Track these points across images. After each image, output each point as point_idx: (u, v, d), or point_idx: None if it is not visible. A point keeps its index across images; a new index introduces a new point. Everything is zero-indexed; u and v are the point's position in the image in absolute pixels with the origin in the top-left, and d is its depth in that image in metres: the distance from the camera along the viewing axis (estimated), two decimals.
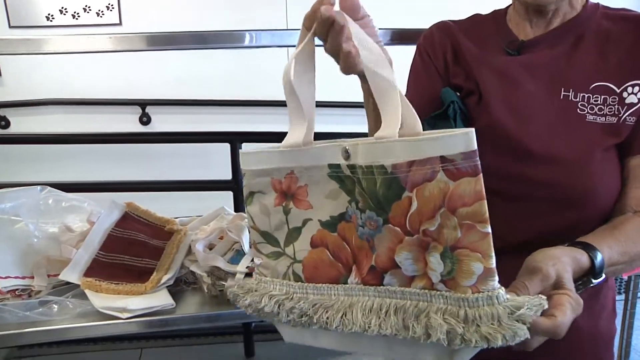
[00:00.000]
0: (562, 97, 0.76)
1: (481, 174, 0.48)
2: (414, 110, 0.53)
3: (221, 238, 1.09)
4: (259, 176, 0.60)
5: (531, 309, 0.48)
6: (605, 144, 0.73)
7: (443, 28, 0.88)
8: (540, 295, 0.52)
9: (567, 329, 0.53)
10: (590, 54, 0.76)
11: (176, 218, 1.21)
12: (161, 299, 0.98)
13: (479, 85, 0.80)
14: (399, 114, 0.52)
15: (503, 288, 0.50)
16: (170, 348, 2.42)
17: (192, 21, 2.85)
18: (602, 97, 0.74)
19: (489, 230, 0.48)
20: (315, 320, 0.57)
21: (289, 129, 0.59)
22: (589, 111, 0.74)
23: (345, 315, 0.55)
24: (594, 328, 0.82)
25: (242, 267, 1.00)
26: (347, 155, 0.54)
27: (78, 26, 2.78)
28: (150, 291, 0.99)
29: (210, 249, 1.07)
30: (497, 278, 0.49)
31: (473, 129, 0.48)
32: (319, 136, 0.60)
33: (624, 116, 0.73)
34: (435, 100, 0.83)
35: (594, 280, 0.62)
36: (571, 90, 0.75)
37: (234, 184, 2.07)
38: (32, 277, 1.04)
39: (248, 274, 0.99)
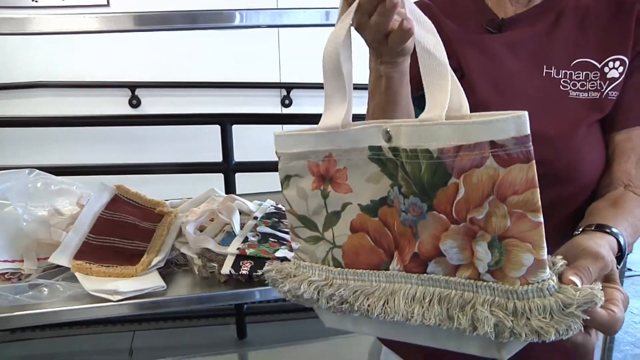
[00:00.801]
0: (544, 74, 0.76)
1: (534, 161, 0.45)
2: (463, 93, 0.51)
3: (212, 220, 1.09)
4: (294, 159, 0.58)
5: (584, 305, 0.46)
6: (589, 120, 0.74)
7: (423, 8, 0.87)
8: (596, 287, 0.48)
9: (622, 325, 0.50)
10: (571, 31, 0.77)
11: (167, 200, 1.21)
12: (152, 281, 0.98)
13: (461, 64, 0.80)
14: (447, 96, 0.49)
15: (555, 278, 0.48)
16: (162, 331, 2.44)
17: (181, 1, 2.81)
18: (584, 73, 0.75)
19: (541, 219, 0.46)
20: (356, 308, 0.55)
21: (326, 109, 0.57)
22: (572, 87, 0.75)
23: (387, 303, 0.53)
24: None
25: (232, 248, 1.00)
26: (388, 136, 0.51)
27: (64, 7, 2.73)
28: (140, 273, 0.99)
29: (201, 230, 1.07)
30: (548, 270, 0.47)
31: (526, 112, 0.44)
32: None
33: (606, 91, 0.74)
34: (420, 80, 0.82)
35: (617, 267, 0.62)
36: (553, 67, 0.76)
37: (225, 166, 2.06)
38: (22, 261, 1.03)
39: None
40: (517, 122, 0.44)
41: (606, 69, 0.74)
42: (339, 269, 0.58)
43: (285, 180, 0.60)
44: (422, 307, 0.51)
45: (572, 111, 0.74)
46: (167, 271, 1.05)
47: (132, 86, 2.89)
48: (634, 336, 2.58)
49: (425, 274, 0.52)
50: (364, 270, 0.56)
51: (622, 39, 0.74)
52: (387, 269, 0.55)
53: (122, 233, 1.08)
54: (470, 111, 0.77)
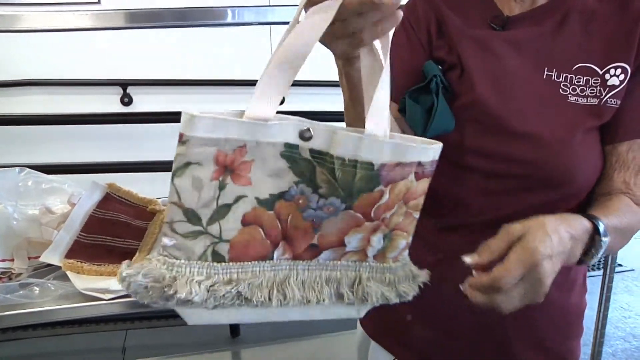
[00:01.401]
0: (545, 76, 0.76)
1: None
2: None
3: None
4: (204, 145, 0.51)
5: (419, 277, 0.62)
6: (586, 125, 0.74)
7: None
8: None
9: (515, 278, 0.56)
10: (575, 34, 0.76)
11: (159, 198, 1.21)
12: None
13: (461, 59, 0.79)
14: (387, 112, 0.54)
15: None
16: (155, 329, 2.43)
17: None
18: (585, 78, 0.74)
19: (418, 215, 0.60)
20: (254, 301, 0.54)
21: (260, 96, 0.52)
22: (571, 92, 0.75)
23: (279, 291, 0.55)
24: (565, 301, 0.85)
25: None
26: (308, 136, 0.52)
27: (54, 4, 2.71)
28: None
29: None
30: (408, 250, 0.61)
31: (441, 144, 0.57)
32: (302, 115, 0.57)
33: (606, 98, 0.74)
34: (417, 73, 0.81)
35: (603, 239, 0.63)
36: (554, 70, 0.75)
37: None
38: (12, 260, 1.02)
39: None
40: (437, 150, 0.57)
41: (607, 76, 0.74)
42: (222, 263, 0.54)
43: (183, 167, 0.52)
44: (315, 290, 0.57)
45: (570, 115, 0.74)
46: None
47: (124, 84, 2.87)
48: (624, 331, 2.60)
49: (314, 260, 0.57)
50: (249, 262, 0.55)
51: (626, 48, 0.73)
52: (272, 259, 0.56)
53: (113, 231, 1.08)
54: (469, 107, 0.78)
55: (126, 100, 2.89)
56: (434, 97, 0.77)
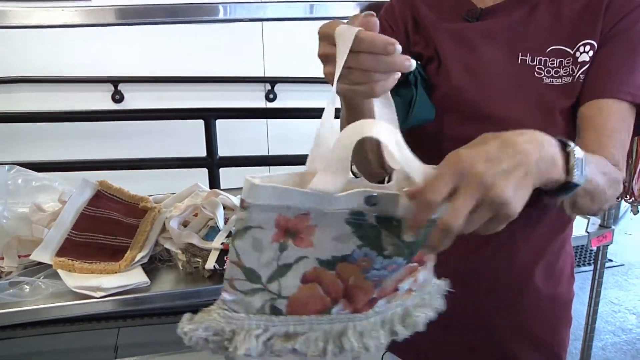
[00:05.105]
0: (519, 61, 0.78)
1: None
2: None
3: (195, 215, 1.08)
4: (265, 211, 0.50)
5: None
6: (562, 105, 0.75)
7: None
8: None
9: (440, 189, 0.46)
10: (546, 18, 0.78)
11: (150, 196, 1.20)
12: (136, 277, 0.98)
13: (438, 52, 0.82)
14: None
15: None
16: (147, 327, 2.42)
17: None
18: (558, 60, 0.76)
19: None
20: (309, 354, 0.56)
21: (324, 171, 0.51)
22: (546, 74, 0.77)
23: (335, 344, 0.56)
24: (553, 290, 0.87)
25: (216, 243, 1.00)
26: (375, 202, 0.51)
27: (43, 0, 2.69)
28: (124, 269, 0.99)
29: (185, 225, 1.06)
30: None
31: None
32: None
33: (578, 74, 0.75)
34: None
35: (576, 151, 0.55)
36: (528, 54, 0.78)
37: (209, 161, 2.05)
38: (2, 258, 1.02)
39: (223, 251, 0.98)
40: None
41: (577, 54, 0.76)
42: (280, 316, 0.55)
43: (243, 230, 0.51)
44: (373, 338, 0.58)
45: (546, 98, 0.76)
46: (151, 267, 1.05)
47: (115, 81, 2.85)
48: (614, 325, 2.63)
49: (371, 310, 0.59)
50: (306, 316, 0.56)
51: (593, 24, 0.75)
52: (329, 313, 0.57)
53: (105, 229, 1.07)
54: (447, 97, 0.79)
55: (117, 97, 2.88)
56: (412, 89, 0.79)
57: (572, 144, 0.56)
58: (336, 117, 0.53)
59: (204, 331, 0.54)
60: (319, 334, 0.56)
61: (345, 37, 0.53)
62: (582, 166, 0.56)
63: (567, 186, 0.56)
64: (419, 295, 0.63)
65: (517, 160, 0.48)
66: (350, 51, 0.52)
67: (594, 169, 0.61)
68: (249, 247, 0.52)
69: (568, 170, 0.55)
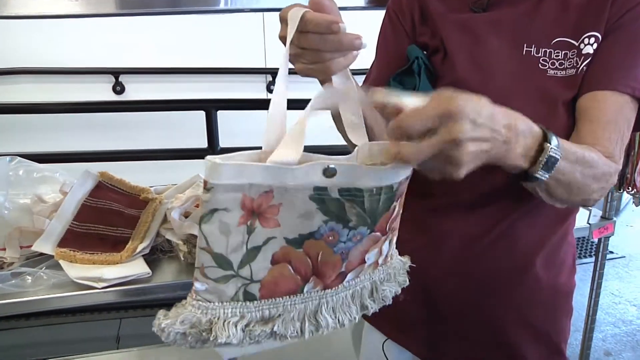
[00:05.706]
0: (524, 52, 0.78)
1: None
2: None
3: (197, 206, 1.08)
4: (230, 191, 0.50)
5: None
6: (565, 97, 0.75)
7: None
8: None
9: (423, 122, 0.48)
10: (552, 10, 0.78)
11: (151, 187, 1.20)
12: (137, 268, 0.98)
13: (444, 42, 0.82)
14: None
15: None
16: (149, 318, 2.42)
17: None
18: (563, 52, 0.76)
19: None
20: (288, 337, 0.57)
21: (284, 143, 0.52)
22: (550, 66, 0.77)
23: (311, 322, 0.58)
24: (553, 280, 0.87)
25: None
26: (333, 173, 0.52)
27: None
28: (125, 260, 0.99)
29: (186, 216, 1.06)
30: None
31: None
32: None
33: (581, 67, 0.75)
34: (402, 58, 0.85)
35: (553, 147, 0.58)
36: (533, 45, 0.77)
37: (210, 152, 2.05)
38: (4, 249, 1.02)
39: None
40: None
41: (582, 46, 0.75)
42: (254, 302, 0.55)
43: (209, 214, 0.51)
44: (346, 313, 0.60)
45: (550, 89, 0.75)
46: (153, 258, 1.05)
47: (116, 72, 2.84)
48: (614, 317, 2.63)
49: (340, 285, 0.60)
50: (280, 298, 0.56)
51: (598, 16, 0.75)
52: (302, 292, 0.57)
53: (106, 220, 1.07)
54: (451, 87, 0.80)
55: (118, 88, 2.87)
56: (416, 78, 0.80)
57: (554, 141, 0.59)
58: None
59: (180, 325, 0.53)
60: (295, 313, 0.57)
61: (293, 19, 0.55)
62: (551, 163, 0.59)
63: (528, 175, 0.60)
64: (385, 270, 0.65)
65: (490, 136, 0.51)
66: (300, 32, 0.55)
67: (572, 166, 0.63)
68: (216, 231, 0.52)
69: (535, 162, 0.59)
